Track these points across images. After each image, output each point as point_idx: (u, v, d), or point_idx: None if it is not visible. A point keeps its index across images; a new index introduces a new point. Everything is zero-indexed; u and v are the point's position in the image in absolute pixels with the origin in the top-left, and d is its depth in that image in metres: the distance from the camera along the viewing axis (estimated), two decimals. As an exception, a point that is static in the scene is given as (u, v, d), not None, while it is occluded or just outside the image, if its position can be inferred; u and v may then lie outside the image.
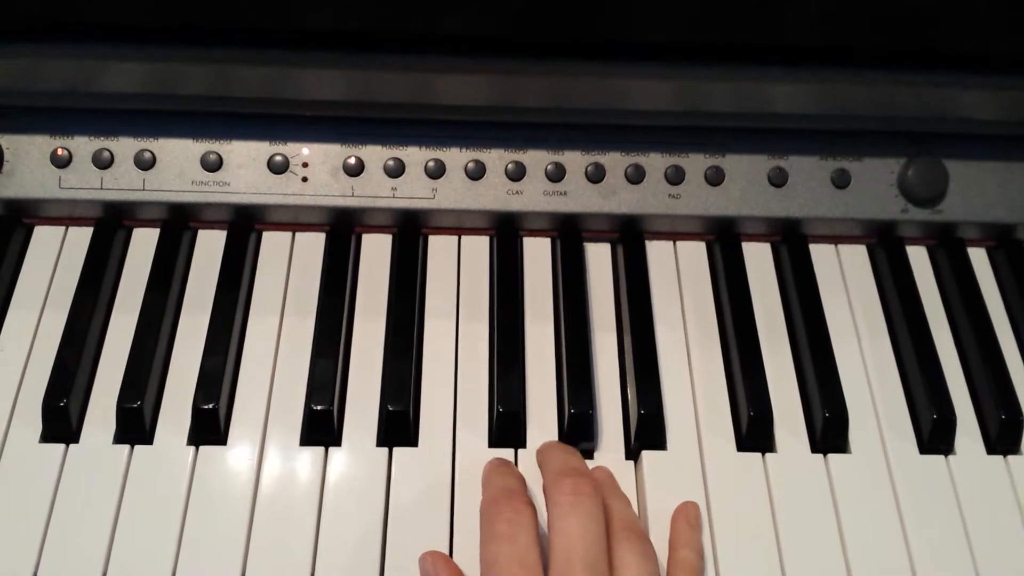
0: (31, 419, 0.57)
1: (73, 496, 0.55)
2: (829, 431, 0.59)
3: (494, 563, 0.48)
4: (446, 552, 0.54)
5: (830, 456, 0.59)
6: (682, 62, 0.62)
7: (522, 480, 0.54)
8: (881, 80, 0.64)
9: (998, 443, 0.60)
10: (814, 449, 0.59)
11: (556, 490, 0.51)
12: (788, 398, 0.61)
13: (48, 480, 0.55)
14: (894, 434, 0.60)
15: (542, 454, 0.56)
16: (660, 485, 0.57)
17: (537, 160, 0.67)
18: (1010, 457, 0.60)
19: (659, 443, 0.59)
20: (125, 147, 0.66)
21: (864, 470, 0.58)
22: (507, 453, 0.58)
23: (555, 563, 0.48)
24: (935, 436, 0.59)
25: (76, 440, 0.57)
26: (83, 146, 0.65)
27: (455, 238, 0.68)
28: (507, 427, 0.58)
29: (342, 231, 0.66)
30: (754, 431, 0.59)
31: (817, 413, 0.59)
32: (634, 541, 0.50)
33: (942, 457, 0.59)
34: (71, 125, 0.66)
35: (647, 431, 0.59)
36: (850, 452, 0.59)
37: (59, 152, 0.65)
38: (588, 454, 0.59)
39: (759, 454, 0.58)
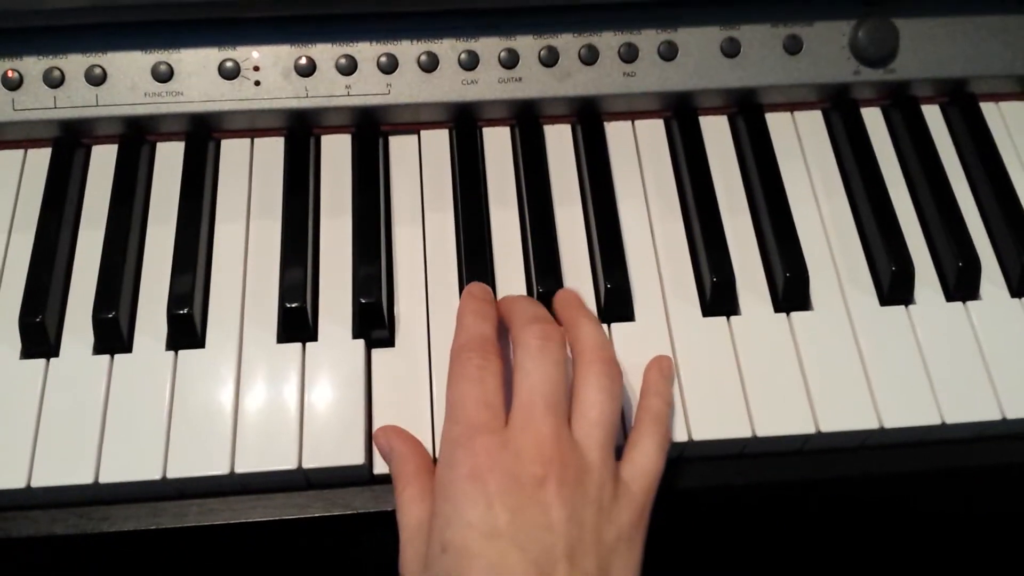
0: (10, 338, 0.58)
1: (58, 407, 0.56)
2: (790, 290, 0.60)
3: (459, 402, 0.51)
4: (429, 432, 0.56)
5: (793, 314, 0.60)
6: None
7: (496, 323, 0.56)
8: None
9: (956, 290, 0.62)
10: (777, 309, 0.61)
11: (526, 334, 0.53)
12: (750, 263, 0.63)
13: (32, 395, 0.56)
14: (855, 289, 0.62)
15: (507, 304, 0.57)
16: (630, 355, 0.58)
17: (490, 48, 0.67)
18: (969, 303, 0.61)
19: (627, 315, 0.60)
20: (75, 64, 0.65)
21: (827, 325, 0.60)
22: (480, 336, 0.59)
23: (518, 401, 0.50)
24: (895, 288, 0.61)
25: (56, 354, 0.58)
26: (33, 66, 0.65)
27: (414, 134, 0.68)
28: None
29: (300, 134, 0.66)
30: (718, 296, 0.60)
31: (778, 274, 0.61)
32: (602, 373, 0.52)
33: (903, 307, 0.61)
34: (18, 46, 0.65)
35: (615, 304, 0.60)
36: (812, 309, 0.61)
37: (9, 74, 0.65)
38: (559, 331, 0.60)
39: (724, 318, 0.60)
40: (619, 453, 0.53)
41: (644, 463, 0.52)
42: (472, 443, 0.49)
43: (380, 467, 0.55)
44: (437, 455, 0.55)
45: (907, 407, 0.57)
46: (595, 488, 0.49)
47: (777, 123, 0.69)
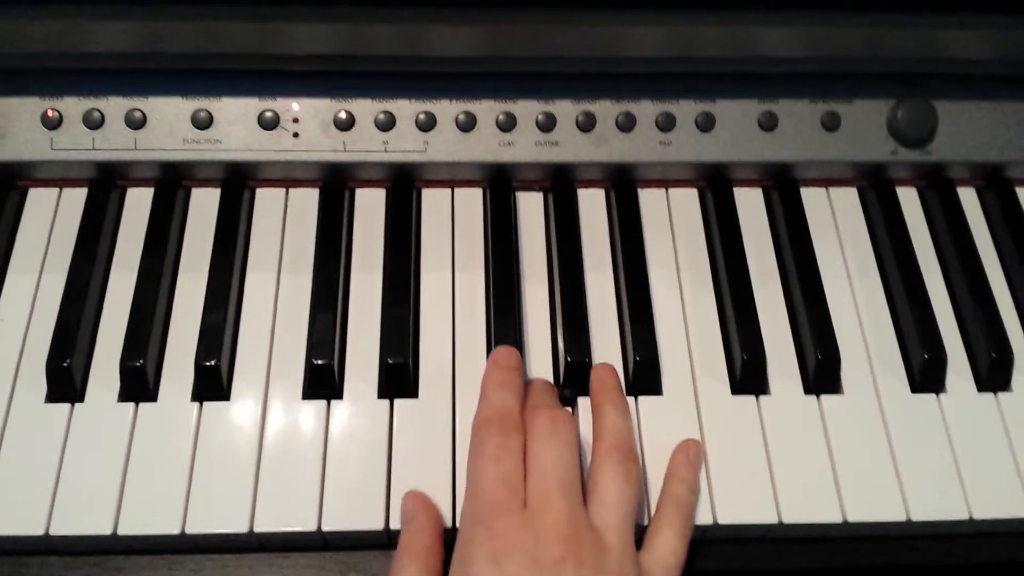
0: (35, 381, 0.58)
1: (81, 454, 0.55)
2: (821, 372, 0.60)
3: (479, 479, 0.51)
4: (449, 498, 0.55)
5: (823, 397, 0.60)
6: (671, 7, 0.62)
7: (520, 394, 0.55)
8: (870, 22, 0.64)
9: (988, 381, 0.61)
10: (807, 391, 0.60)
11: (535, 417, 0.53)
12: (781, 341, 0.62)
13: (55, 440, 0.56)
14: (886, 374, 0.61)
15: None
16: (657, 430, 0.58)
17: (528, 110, 0.67)
18: (1000, 394, 0.61)
19: (655, 388, 0.60)
20: (115, 107, 0.65)
21: (857, 410, 0.59)
22: (506, 402, 0.58)
23: (531, 484, 0.50)
24: (926, 375, 0.60)
25: (81, 400, 0.58)
26: (73, 107, 0.65)
27: (448, 191, 0.68)
28: (505, 376, 0.59)
29: (335, 186, 0.67)
30: (748, 375, 0.59)
31: (810, 355, 0.60)
32: (619, 462, 0.53)
33: (933, 396, 0.60)
34: (60, 86, 0.65)
35: (643, 377, 0.60)
36: (842, 393, 0.60)
37: (49, 113, 0.65)
38: (585, 401, 0.59)
39: (753, 397, 0.59)
40: (641, 535, 0.52)
41: (665, 552, 0.52)
42: (492, 524, 0.49)
43: (397, 526, 0.54)
44: (456, 521, 0.54)
45: (935, 500, 0.56)
46: (614, 571, 0.48)
47: (812, 199, 0.69)
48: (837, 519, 0.55)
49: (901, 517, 0.55)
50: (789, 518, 0.55)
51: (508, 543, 0.48)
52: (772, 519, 0.55)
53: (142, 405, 0.57)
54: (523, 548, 0.47)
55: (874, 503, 0.56)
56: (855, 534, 0.56)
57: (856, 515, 0.55)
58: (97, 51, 0.63)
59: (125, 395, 0.58)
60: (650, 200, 0.69)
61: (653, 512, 0.54)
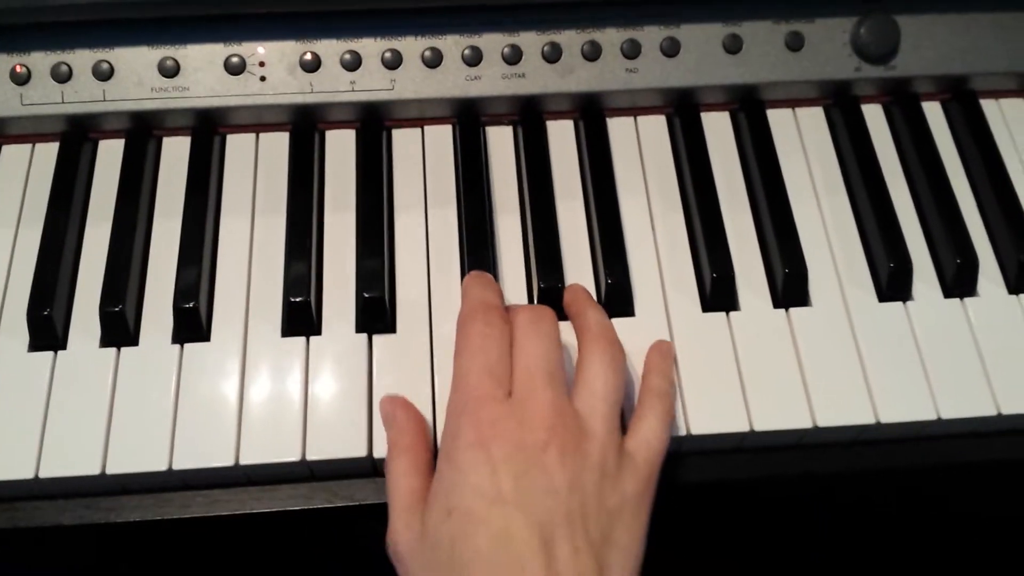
0: (18, 330, 0.59)
1: (66, 399, 0.56)
2: (789, 286, 0.61)
3: (467, 373, 0.52)
4: (430, 426, 0.56)
5: (792, 310, 0.61)
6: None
7: (499, 293, 0.58)
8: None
9: (954, 287, 0.62)
10: (776, 305, 0.61)
11: (518, 314, 0.55)
12: (750, 259, 0.63)
13: (40, 387, 0.57)
14: (853, 286, 0.62)
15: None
16: (630, 350, 0.58)
17: (493, 43, 0.67)
18: (966, 300, 0.62)
19: (627, 310, 0.61)
20: (82, 59, 0.66)
21: (825, 321, 0.60)
22: (482, 330, 0.59)
23: (516, 374, 0.52)
24: (893, 284, 0.61)
25: (63, 347, 0.59)
26: (40, 61, 0.66)
27: (418, 129, 0.69)
28: (480, 305, 0.60)
29: (305, 129, 0.67)
30: (717, 291, 0.61)
31: (778, 270, 0.61)
32: (604, 350, 0.54)
33: (900, 304, 0.61)
34: (26, 41, 0.66)
35: (615, 299, 0.61)
36: (811, 305, 0.61)
37: (17, 69, 0.65)
38: (560, 325, 0.60)
39: (723, 313, 0.61)
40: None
41: (648, 436, 0.53)
42: (476, 413, 0.50)
43: (381, 454, 0.56)
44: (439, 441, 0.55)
45: (903, 402, 0.57)
46: (597, 455, 0.50)
47: (778, 120, 0.69)
48: (808, 424, 0.56)
49: (870, 420, 0.56)
50: (760, 426, 0.56)
51: (494, 430, 0.49)
52: (744, 427, 0.56)
53: (124, 350, 0.58)
54: (508, 435, 0.49)
55: (844, 407, 0.57)
56: (827, 439, 0.58)
57: (826, 419, 0.56)
58: (61, 3, 0.63)
59: (107, 341, 0.59)
60: (619, 128, 0.69)
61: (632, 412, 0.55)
